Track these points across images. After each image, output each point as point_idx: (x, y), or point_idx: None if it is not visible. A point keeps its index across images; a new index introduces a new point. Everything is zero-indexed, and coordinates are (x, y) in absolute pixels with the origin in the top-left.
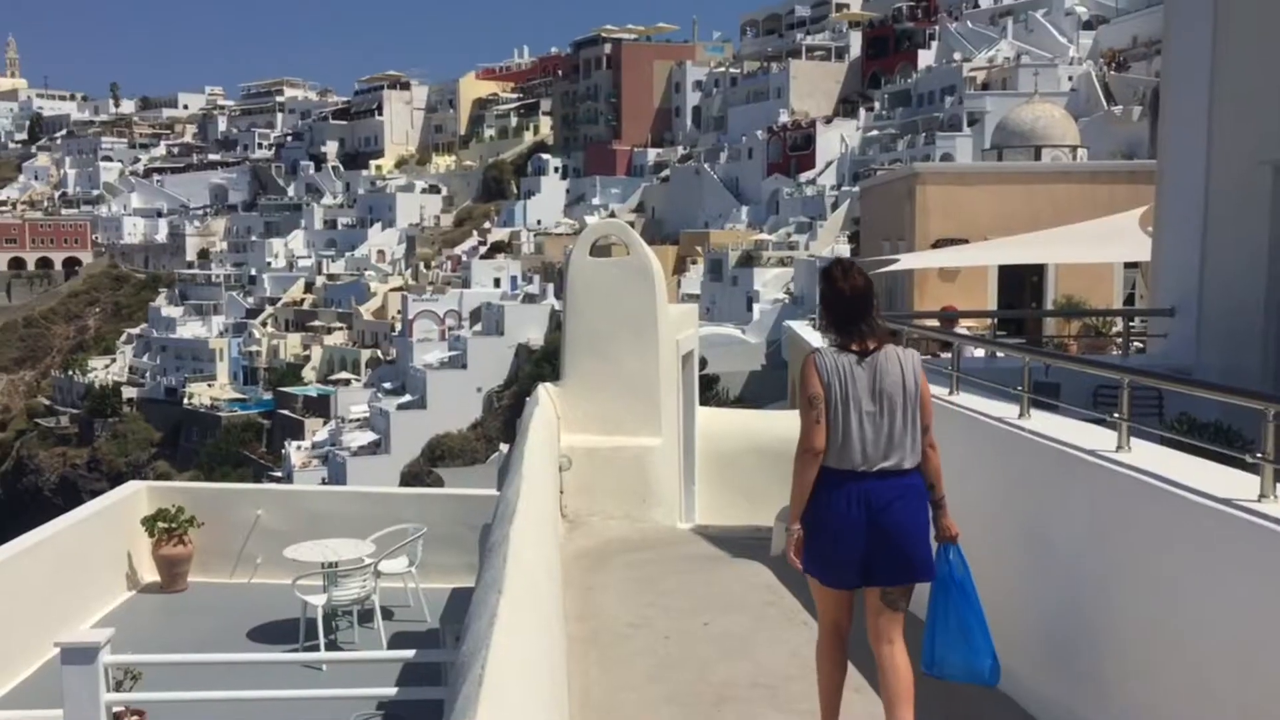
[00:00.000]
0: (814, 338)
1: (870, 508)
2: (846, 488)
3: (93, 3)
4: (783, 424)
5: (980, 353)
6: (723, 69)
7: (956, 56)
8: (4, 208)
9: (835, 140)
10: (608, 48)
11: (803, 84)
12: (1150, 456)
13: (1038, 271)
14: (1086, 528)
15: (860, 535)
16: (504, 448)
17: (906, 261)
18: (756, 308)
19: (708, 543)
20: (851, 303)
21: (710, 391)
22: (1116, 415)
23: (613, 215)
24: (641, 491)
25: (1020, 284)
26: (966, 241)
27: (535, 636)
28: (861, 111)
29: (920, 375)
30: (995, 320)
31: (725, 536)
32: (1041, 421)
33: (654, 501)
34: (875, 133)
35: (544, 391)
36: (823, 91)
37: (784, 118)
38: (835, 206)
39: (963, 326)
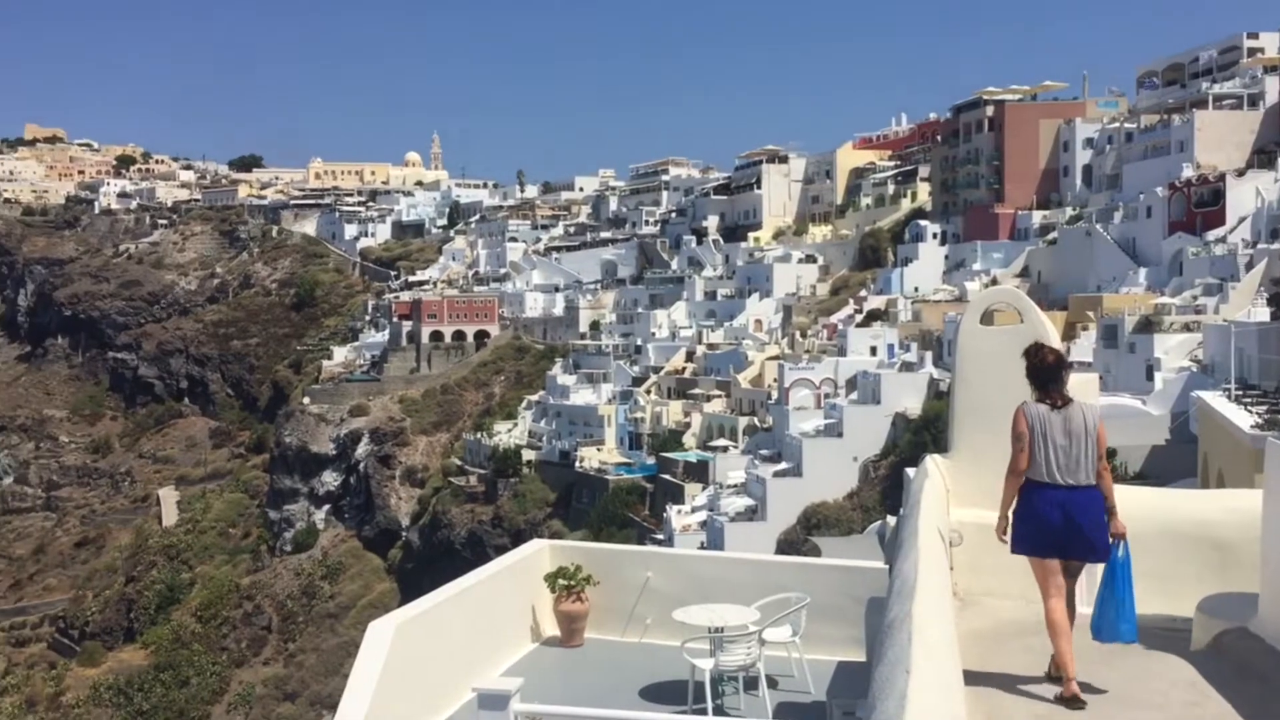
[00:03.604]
0: (1229, 409)
1: (1064, 509)
2: (1048, 494)
3: (523, 100)
4: (1197, 505)
5: None
6: (1116, 124)
7: None
8: (427, 286)
9: (1249, 194)
10: (990, 110)
11: (1209, 135)
12: None
13: None
14: None
15: (1058, 526)
16: (890, 519)
17: None
18: (1158, 376)
19: None
20: (1046, 371)
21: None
22: None
23: (994, 281)
24: None
25: None
26: None
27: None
28: None
29: (1098, 421)
30: None
31: None
32: None
33: None
34: None
35: (932, 463)
36: (1233, 143)
37: (1188, 172)
38: (1250, 266)
39: None
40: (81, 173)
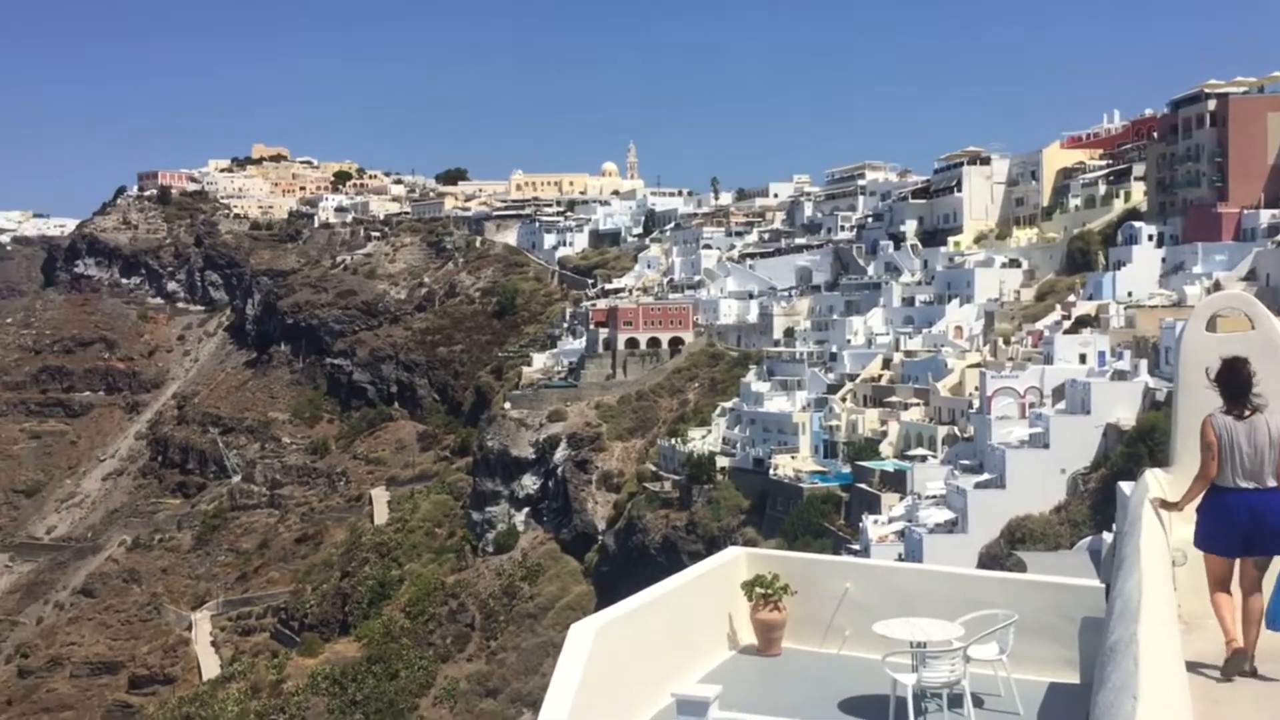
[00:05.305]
0: None
1: (1249, 510)
2: (1233, 497)
3: (698, 109)
4: None
5: None
6: None
7: None
8: (623, 293)
9: None
10: (1212, 104)
11: None
12: None
13: None
14: None
15: (1241, 526)
16: (1106, 536)
17: None
18: None
19: None
20: (1240, 385)
21: None
22: None
23: (1217, 285)
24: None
25: None
26: None
27: None
28: None
29: None
30: None
31: None
32: None
33: None
34: None
35: (1152, 478)
36: None
37: None
38: None
39: None
40: (303, 189)
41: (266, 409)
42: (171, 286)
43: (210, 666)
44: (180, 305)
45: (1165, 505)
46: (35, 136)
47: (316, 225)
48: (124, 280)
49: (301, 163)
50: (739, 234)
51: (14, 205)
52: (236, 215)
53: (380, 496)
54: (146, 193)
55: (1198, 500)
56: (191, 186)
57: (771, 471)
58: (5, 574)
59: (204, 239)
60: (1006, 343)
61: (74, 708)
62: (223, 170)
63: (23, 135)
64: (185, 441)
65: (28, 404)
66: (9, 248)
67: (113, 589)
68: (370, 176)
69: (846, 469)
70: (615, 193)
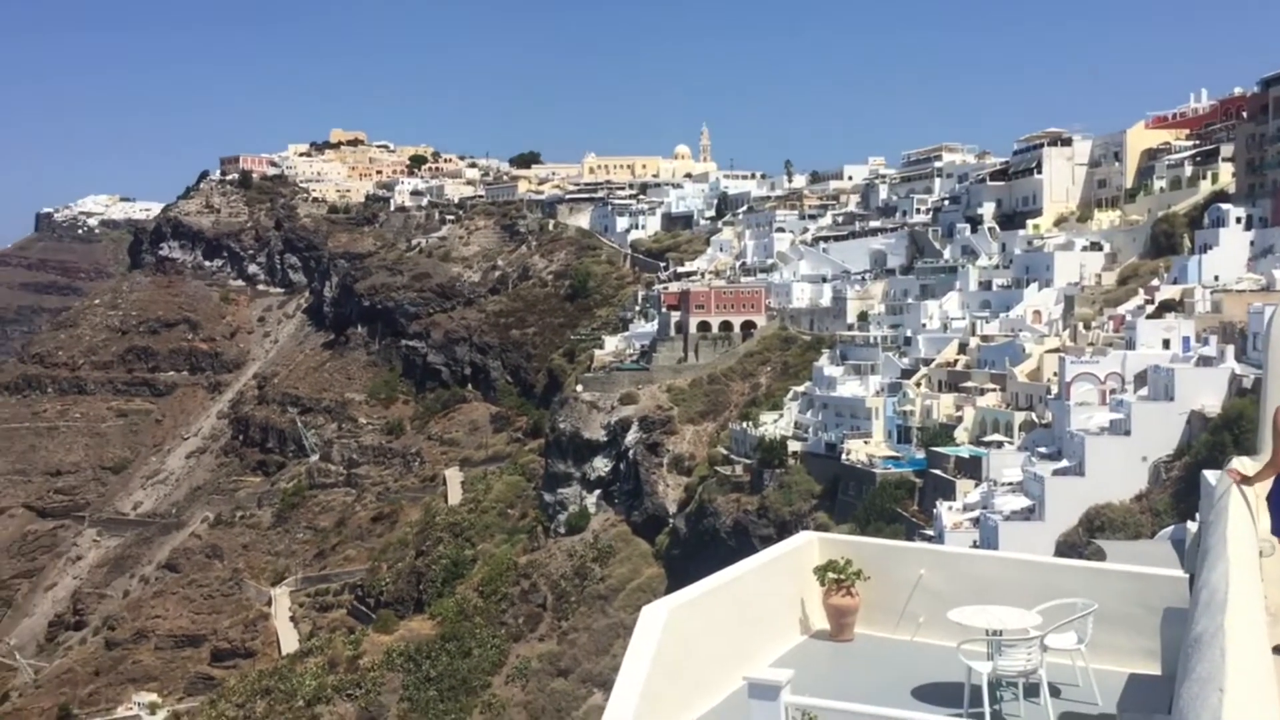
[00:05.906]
0: None
1: None
2: None
3: (771, 91)
4: None
5: None
6: None
7: None
8: (695, 277)
9: None
10: None
11: None
12: None
13: None
14: None
15: None
16: (1190, 525)
17: None
18: None
19: None
20: None
21: None
22: None
23: None
24: None
25: None
26: None
27: None
28: None
29: None
30: None
31: None
32: None
33: None
34: None
35: (1238, 465)
36: None
37: None
38: None
39: None
40: (379, 172)
41: (343, 390)
42: (252, 269)
43: (289, 641)
44: (260, 287)
45: (1243, 479)
46: (122, 122)
47: (392, 209)
48: (206, 263)
49: (378, 147)
50: (812, 217)
51: (102, 189)
52: (315, 199)
53: (454, 477)
54: (228, 177)
55: (1269, 485)
56: (271, 171)
57: (844, 456)
58: (94, 548)
59: (283, 222)
60: (1087, 328)
61: (158, 679)
62: (302, 155)
63: (110, 121)
64: (265, 421)
65: (115, 383)
66: (97, 231)
67: (196, 564)
68: (445, 160)
69: (920, 455)
70: (688, 175)
